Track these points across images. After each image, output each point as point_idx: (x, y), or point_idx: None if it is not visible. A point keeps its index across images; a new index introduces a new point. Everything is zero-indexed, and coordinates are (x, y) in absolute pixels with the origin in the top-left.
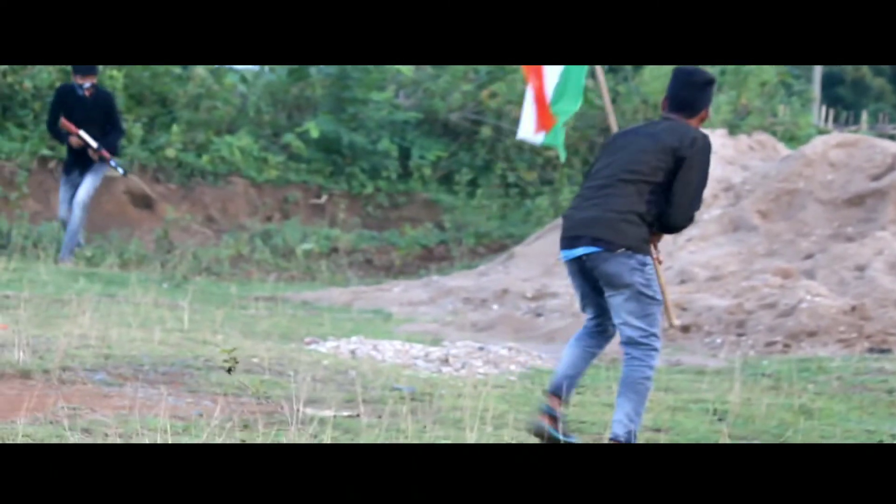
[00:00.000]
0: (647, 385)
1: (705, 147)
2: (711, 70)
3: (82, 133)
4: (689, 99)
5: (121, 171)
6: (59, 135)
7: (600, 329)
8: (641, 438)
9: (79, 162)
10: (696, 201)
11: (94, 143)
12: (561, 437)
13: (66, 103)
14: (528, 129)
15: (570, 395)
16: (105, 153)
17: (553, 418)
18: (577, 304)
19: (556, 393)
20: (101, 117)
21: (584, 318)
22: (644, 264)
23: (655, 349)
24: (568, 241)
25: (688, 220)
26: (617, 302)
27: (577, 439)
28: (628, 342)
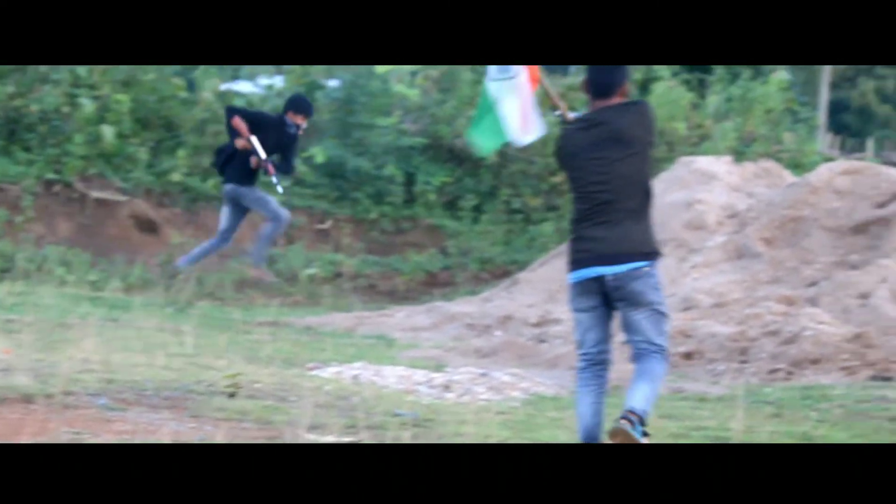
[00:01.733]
0: (658, 380)
1: (650, 116)
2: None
3: (254, 139)
4: (606, 82)
5: (279, 188)
6: (230, 135)
7: (602, 358)
8: None
9: (238, 176)
10: None
11: (263, 154)
12: None
13: (264, 128)
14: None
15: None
16: (270, 167)
17: None
18: (575, 335)
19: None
20: (281, 152)
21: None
22: (658, 285)
23: (666, 359)
24: (594, 260)
25: None
26: (636, 319)
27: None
28: (642, 354)
